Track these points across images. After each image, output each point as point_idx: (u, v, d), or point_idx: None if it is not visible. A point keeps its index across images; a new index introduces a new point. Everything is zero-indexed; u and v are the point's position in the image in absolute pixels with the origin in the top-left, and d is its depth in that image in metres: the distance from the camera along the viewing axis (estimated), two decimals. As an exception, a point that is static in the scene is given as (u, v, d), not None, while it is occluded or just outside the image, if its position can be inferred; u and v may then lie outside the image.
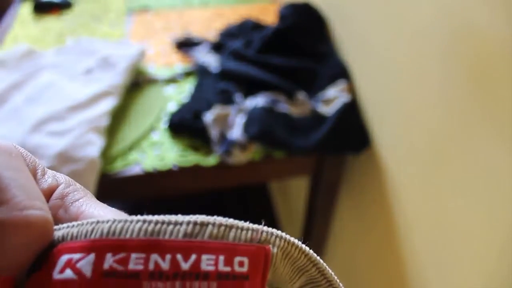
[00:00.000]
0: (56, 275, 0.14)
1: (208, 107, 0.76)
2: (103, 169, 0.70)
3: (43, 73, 0.84)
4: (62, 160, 0.66)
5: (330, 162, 0.80)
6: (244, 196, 1.56)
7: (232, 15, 1.11)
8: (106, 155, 0.71)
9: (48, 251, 0.14)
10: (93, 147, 0.68)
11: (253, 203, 1.56)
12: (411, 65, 0.60)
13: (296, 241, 0.16)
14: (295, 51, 0.87)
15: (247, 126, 0.72)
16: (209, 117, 0.74)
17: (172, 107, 0.82)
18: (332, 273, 0.16)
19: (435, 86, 0.55)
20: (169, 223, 0.14)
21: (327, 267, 0.16)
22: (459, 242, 0.54)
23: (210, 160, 0.73)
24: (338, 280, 0.17)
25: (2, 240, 0.13)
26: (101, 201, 0.17)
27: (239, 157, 0.72)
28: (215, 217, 0.15)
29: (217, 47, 0.94)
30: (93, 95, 0.77)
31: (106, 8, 1.15)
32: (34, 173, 0.17)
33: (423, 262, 0.62)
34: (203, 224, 0.14)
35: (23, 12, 1.12)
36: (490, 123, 0.47)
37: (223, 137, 0.73)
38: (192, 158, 0.73)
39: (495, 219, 0.47)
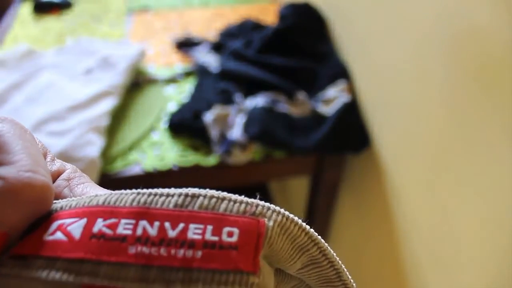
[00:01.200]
0: (47, 237, 0.14)
1: (208, 107, 0.76)
2: (103, 169, 0.70)
3: (43, 73, 0.84)
4: (62, 160, 0.66)
5: (330, 162, 0.80)
6: (244, 196, 1.55)
7: (232, 15, 1.11)
8: (106, 155, 0.71)
9: (45, 218, 0.15)
10: (93, 147, 0.68)
11: (253, 203, 1.56)
12: (411, 65, 0.60)
13: (295, 218, 0.15)
14: (295, 51, 0.87)
15: (247, 126, 0.72)
16: (209, 117, 0.74)
17: (172, 107, 0.82)
18: (334, 254, 0.16)
19: (435, 86, 0.55)
20: (161, 194, 0.15)
21: (328, 247, 0.16)
22: (459, 242, 0.54)
23: (210, 160, 0.73)
24: (340, 262, 0.16)
25: (3, 196, 0.14)
26: None
27: (239, 157, 0.72)
28: (207, 189, 0.15)
29: (217, 47, 0.94)
30: (93, 95, 0.77)
31: (106, 8, 1.15)
32: (44, 157, 0.18)
33: (423, 261, 0.62)
34: (194, 196, 0.15)
35: (23, 12, 1.12)
36: (491, 123, 0.47)
37: (223, 137, 0.73)
38: (192, 158, 0.73)
39: (495, 219, 0.47)
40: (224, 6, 1.16)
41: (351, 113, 0.76)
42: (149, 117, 0.79)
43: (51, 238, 0.14)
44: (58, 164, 0.18)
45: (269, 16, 1.10)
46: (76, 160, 0.66)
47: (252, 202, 0.15)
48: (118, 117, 0.78)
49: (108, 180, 0.70)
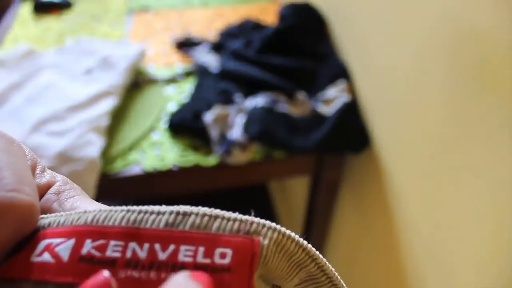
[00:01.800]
0: (34, 258, 0.14)
1: (208, 107, 0.76)
2: (103, 169, 0.70)
3: (43, 73, 0.84)
4: (62, 160, 0.66)
5: (330, 162, 0.80)
6: (244, 196, 1.56)
7: (232, 15, 1.11)
8: (106, 155, 0.71)
9: (31, 236, 0.14)
10: (93, 147, 0.68)
11: (253, 203, 1.57)
12: (411, 64, 0.60)
13: (292, 234, 0.15)
14: (295, 51, 0.87)
15: (247, 126, 0.72)
16: (209, 117, 0.74)
17: (172, 107, 0.82)
18: (333, 269, 0.16)
19: (435, 86, 0.55)
20: (152, 212, 0.14)
21: (326, 262, 0.15)
22: (459, 242, 0.54)
23: (210, 160, 0.73)
24: (339, 277, 0.16)
25: None
26: (100, 201, 0.17)
27: (239, 157, 0.72)
28: (200, 207, 0.14)
29: (217, 47, 0.94)
30: (93, 95, 0.77)
31: (106, 8, 1.15)
32: (33, 169, 0.17)
33: (423, 261, 0.62)
34: (186, 214, 0.14)
35: (23, 12, 1.12)
36: (491, 123, 0.47)
37: (223, 137, 0.73)
38: (192, 158, 0.73)
39: (495, 219, 0.47)
40: (224, 6, 1.16)
41: (351, 113, 0.76)
42: (149, 117, 0.79)
43: (38, 259, 0.13)
44: (47, 176, 0.18)
45: (269, 16, 1.10)
46: (76, 160, 0.66)
47: (247, 220, 0.14)
48: (118, 117, 0.78)
49: (108, 180, 0.70)
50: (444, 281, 0.58)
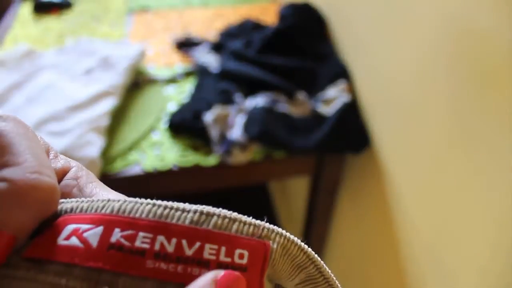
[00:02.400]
0: (61, 241, 0.14)
1: (208, 107, 0.76)
2: (103, 169, 0.70)
3: (43, 73, 0.84)
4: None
5: (330, 162, 0.80)
6: (244, 196, 1.56)
7: (232, 15, 1.11)
8: (106, 155, 0.71)
9: (52, 220, 0.15)
10: (93, 147, 0.68)
11: (253, 203, 1.56)
12: (411, 65, 0.60)
13: (295, 239, 0.16)
14: (295, 51, 0.87)
15: (247, 126, 0.72)
16: (209, 117, 0.74)
17: (172, 107, 0.82)
18: (329, 271, 0.17)
19: (435, 86, 0.55)
20: (177, 209, 0.15)
21: (324, 265, 0.17)
22: (459, 242, 0.54)
23: (210, 160, 0.73)
24: (335, 278, 0.17)
25: (10, 199, 0.13)
26: None
27: (239, 157, 0.72)
28: (220, 209, 0.16)
29: (217, 47, 0.94)
30: (93, 95, 0.77)
31: (106, 8, 1.15)
32: (47, 154, 0.18)
33: (423, 261, 0.62)
34: (209, 214, 0.15)
35: (23, 12, 1.12)
36: (491, 124, 0.47)
37: (223, 137, 0.73)
38: (192, 158, 0.73)
39: (495, 219, 0.47)
40: (224, 6, 1.16)
41: (351, 113, 0.76)
42: (149, 117, 0.79)
43: (66, 243, 0.14)
44: (62, 161, 0.18)
45: (269, 16, 1.10)
46: (76, 160, 0.66)
47: (259, 225, 0.16)
48: (118, 117, 0.78)
49: (108, 180, 0.70)
50: (444, 281, 0.58)
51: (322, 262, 0.17)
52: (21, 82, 0.82)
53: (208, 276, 0.13)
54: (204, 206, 0.15)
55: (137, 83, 0.86)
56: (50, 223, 0.15)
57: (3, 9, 1.23)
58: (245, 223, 0.16)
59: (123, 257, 0.14)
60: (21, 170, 0.14)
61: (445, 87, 0.53)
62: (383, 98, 0.70)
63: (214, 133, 0.73)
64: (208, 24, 1.08)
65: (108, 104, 0.75)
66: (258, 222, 0.16)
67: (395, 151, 0.68)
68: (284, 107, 0.76)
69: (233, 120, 0.74)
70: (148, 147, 0.74)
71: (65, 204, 0.15)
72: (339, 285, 0.17)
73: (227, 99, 0.77)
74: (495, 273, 0.48)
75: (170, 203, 0.15)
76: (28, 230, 0.14)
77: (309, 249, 0.17)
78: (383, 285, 0.77)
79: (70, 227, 0.14)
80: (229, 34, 0.97)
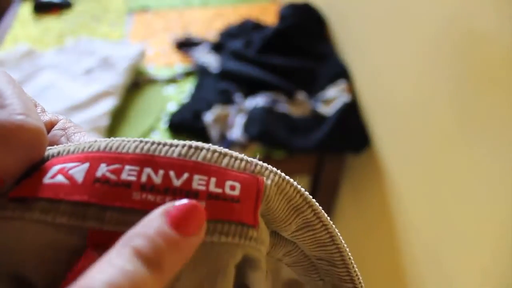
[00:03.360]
0: (47, 180, 0.14)
1: (208, 107, 0.76)
2: (103, 169, 0.70)
3: (43, 73, 0.84)
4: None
5: (330, 162, 0.80)
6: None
7: (232, 15, 1.11)
8: (106, 155, 0.71)
9: (41, 164, 0.14)
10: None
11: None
12: (411, 65, 0.60)
13: (291, 179, 0.16)
14: (295, 51, 0.87)
15: (247, 126, 0.72)
16: (209, 117, 0.74)
17: (172, 107, 0.82)
18: (328, 218, 0.16)
19: (435, 86, 0.55)
20: (164, 144, 0.14)
21: (322, 210, 0.16)
22: (459, 242, 0.54)
23: (210, 160, 0.72)
24: (333, 226, 0.16)
25: None
26: None
27: (239, 157, 0.72)
28: (210, 144, 0.15)
29: (217, 47, 0.94)
30: (93, 95, 0.77)
31: (106, 8, 1.15)
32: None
33: (422, 260, 0.62)
34: (198, 148, 0.15)
35: (23, 12, 1.12)
36: (491, 123, 0.47)
37: (223, 137, 0.73)
38: (192, 158, 0.73)
39: (495, 219, 0.47)
40: (224, 6, 1.16)
41: (351, 113, 0.76)
42: (149, 117, 0.79)
43: (51, 181, 0.14)
44: (50, 115, 0.18)
45: (269, 16, 1.10)
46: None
47: (252, 161, 0.15)
48: (118, 117, 0.78)
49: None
50: (445, 281, 0.58)
51: (320, 207, 0.16)
52: (21, 82, 0.82)
53: (159, 209, 0.13)
54: (193, 141, 0.15)
55: (137, 83, 0.86)
56: (38, 167, 0.14)
57: (3, 9, 1.23)
58: (236, 158, 0.15)
59: (109, 190, 0.13)
60: (7, 112, 0.14)
61: (445, 87, 0.53)
62: (383, 98, 0.70)
63: (214, 133, 0.73)
64: (208, 24, 1.08)
65: (108, 104, 0.75)
66: (250, 158, 0.15)
67: (395, 151, 0.68)
68: (284, 107, 0.76)
69: (233, 120, 0.74)
70: (148, 147, 0.74)
71: (52, 149, 0.15)
72: (338, 232, 0.16)
73: (227, 99, 0.77)
74: (496, 273, 0.48)
75: (157, 140, 0.15)
76: (15, 173, 0.14)
77: (306, 192, 0.16)
78: (383, 285, 0.77)
79: (56, 167, 0.14)
80: (229, 34, 0.97)
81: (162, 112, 0.81)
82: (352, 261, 0.17)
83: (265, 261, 0.15)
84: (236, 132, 0.72)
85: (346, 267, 0.17)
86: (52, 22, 1.08)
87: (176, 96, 0.85)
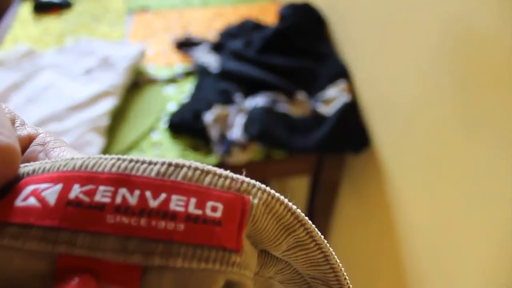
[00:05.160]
0: (19, 203, 0.13)
1: (208, 107, 0.76)
2: (103, 169, 0.69)
3: (43, 73, 0.84)
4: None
5: (330, 162, 0.80)
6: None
7: (232, 15, 1.11)
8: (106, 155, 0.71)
9: (13, 184, 0.14)
10: (93, 147, 0.68)
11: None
12: (411, 64, 0.60)
13: (281, 196, 0.15)
14: (295, 51, 0.87)
15: (247, 126, 0.72)
16: (209, 117, 0.74)
17: (172, 107, 0.82)
18: (322, 236, 0.15)
19: (435, 86, 0.55)
20: (143, 162, 0.14)
21: (315, 229, 0.15)
22: (459, 241, 0.54)
23: (210, 160, 0.73)
24: (327, 244, 0.16)
25: None
26: None
27: (239, 157, 0.72)
28: (192, 161, 0.14)
29: (217, 47, 0.94)
30: (93, 95, 0.77)
31: (106, 8, 1.15)
32: (12, 122, 0.17)
33: (423, 261, 0.62)
34: (178, 166, 0.14)
35: (23, 12, 1.12)
36: (490, 123, 0.47)
37: (223, 137, 0.73)
38: (192, 158, 0.73)
39: (495, 219, 0.47)
40: (224, 6, 1.16)
41: (351, 113, 0.76)
42: (149, 117, 0.79)
43: (23, 204, 0.13)
44: (29, 129, 0.17)
45: (269, 16, 1.10)
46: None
47: (237, 178, 0.14)
48: (118, 117, 0.78)
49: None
50: (445, 281, 0.58)
51: (313, 225, 0.15)
52: (21, 82, 0.82)
53: None
54: (173, 158, 0.14)
55: (137, 83, 0.86)
56: (11, 187, 0.14)
57: (3, 9, 1.23)
58: (220, 175, 0.14)
59: (81, 213, 0.13)
60: None
61: (445, 88, 0.53)
62: (383, 98, 0.70)
63: (214, 133, 0.73)
64: (208, 24, 1.08)
65: (108, 104, 0.75)
66: (235, 175, 0.14)
67: (395, 151, 0.68)
68: (284, 107, 0.76)
69: (233, 120, 0.74)
70: (148, 147, 0.74)
71: (28, 167, 0.14)
72: (332, 251, 0.16)
73: (227, 99, 0.77)
74: (497, 273, 0.48)
75: (136, 157, 0.14)
76: None
77: (298, 210, 0.15)
78: (383, 283, 0.77)
79: (29, 188, 0.13)
80: (229, 34, 0.97)
81: (162, 112, 0.81)
82: (348, 281, 0.16)
83: (253, 282, 0.14)
84: (236, 132, 0.72)
85: (341, 287, 0.16)
86: (52, 22, 1.08)
87: (176, 96, 0.85)
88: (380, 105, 0.71)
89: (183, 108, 0.78)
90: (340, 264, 0.16)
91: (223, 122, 0.74)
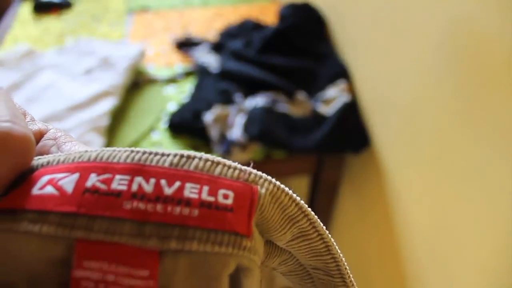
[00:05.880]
0: (36, 191, 0.13)
1: (208, 107, 0.76)
2: (103, 169, 0.69)
3: (43, 73, 0.84)
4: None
5: (330, 162, 0.80)
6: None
7: (232, 15, 1.11)
8: (106, 155, 0.71)
9: (29, 174, 0.14)
10: (93, 147, 0.68)
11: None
12: (411, 65, 0.60)
13: (286, 188, 0.15)
14: (295, 51, 0.87)
15: (247, 126, 0.72)
16: (209, 117, 0.74)
17: (172, 107, 0.82)
18: (324, 227, 0.16)
19: (435, 86, 0.55)
20: (156, 153, 0.14)
21: (318, 220, 0.16)
22: (459, 241, 0.54)
23: (210, 160, 0.72)
24: (329, 235, 0.16)
25: None
26: None
27: (239, 157, 0.72)
28: (202, 153, 0.15)
29: (217, 47, 0.94)
30: (93, 95, 0.77)
31: (106, 8, 1.15)
32: (23, 116, 0.17)
33: (423, 260, 0.62)
34: (189, 157, 0.14)
35: (23, 12, 1.12)
36: (490, 123, 0.47)
37: (223, 137, 0.73)
38: (192, 158, 0.73)
39: (495, 219, 0.47)
40: (224, 6, 1.16)
41: (351, 113, 0.76)
42: (149, 117, 0.79)
43: (40, 192, 0.13)
44: (39, 124, 0.17)
45: (269, 16, 1.10)
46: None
47: (246, 169, 0.15)
48: (118, 117, 0.78)
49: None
50: (446, 281, 0.58)
51: (316, 216, 0.16)
52: (21, 82, 0.82)
53: None
54: (185, 151, 0.15)
55: (137, 83, 0.86)
56: (26, 177, 0.14)
57: (3, 9, 1.23)
58: (229, 166, 0.15)
59: (99, 200, 0.13)
60: None
61: (445, 87, 0.53)
62: (383, 98, 0.70)
63: (214, 133, 0.73)
64: (208, 24, 1.08)
65: (108, 104, 0.75)
66: (244, 167, 0.15)
67: (395, 151, 0.68)
68: (284, 107, 0.76)
69: (233, 120, 0.74)
70: (148, 147, 0.74)
71: (42, 159, 0.15)
72: (334, 242, 0.16)
73: (227, 99, 0.77)
74: (497, 273, 0.48)
75: (149, 149, 0.14)
76: (3, 181, 0.14)
77: (302, 201, 0.16)
78: (383, 283, 0.77)
79: (46, 177, 0.14)
80: (229, 34, 0.97)
81: (162, 112, 0.81)
82: (348, 271, 0.17)
83: (259, 271, 0.15)
84: (236, 132, 0.72)
85: (342, 277, 0.17)
86: (52, 22, 1.08)
87: (176, 96, 0.85)
88: (380, 105, 0.71)
89: (183, 108, 0.78)
90: (341, 255, 0.16)
91: (223, 122, 0.74)
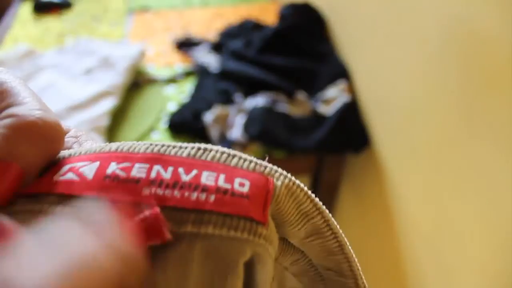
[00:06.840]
0: (59, 178, 0.14)
1: (208, 107, 0.76)
2: (103, 169, 0.70)
3: (43, 73, 0.84)
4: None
5: (330, 161, 0.80)
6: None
7: (232, 15, 1.11)
8: (106, 155, 0.71)
9: (54, 163, 0.15)
10: (93, 147, 0.68)
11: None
12: (411, 65, 0.60)
13: (301, 184, 0.16)
14: (295, 51, 0.87)
15: (247, 126, 0.72)
16: (209, 117, 0.74)
17: (172, 107, 0.82)
18: (338, 226, 0.16)
19: (435, 86, 0.55)
20: (174, 146, 0.15)
21: (332, 218, 0.16)
22: (459, 241, 0.54)
23: (210, 160, 0.73)
24: (343, 234, 0.16)
25: (18, 133, 0.14)
26: None
27: (239, 157, 0.72)
28: (219, 146, 0.15)
29: (217, 47, 0.94)
30: (93, 95, 0.77)
31: (106, 8, 1.15)
32: None
33: (423, 260, 0.62)
34: (206, 149, 0.15)
35: (23, 12, 1.12)
36: (490, 123, 0.47)
37: (223, 137, 0.73)
38: (192, 158, 0.73)
39: (495, 219, 0.47)
40: (224, 6, 1.16)
41: (351, 113, 0.76)
42: (149, 117, 0.79)
43: (62, 178, 0.14)
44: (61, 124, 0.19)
45: (269, 16, 1.10)
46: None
47: (261, 163, 0.15)
48: (118, 117, 0.78)
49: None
50: (445, 280, 0.58)
51: (330, 215, 0.16)
52: (21, 82, 0.82)
53: None
54: (202, 144, 0.15)
55: (137, 83, 0.86)
56: (50, 166, 0.15)
57: (3, 9, 1.23)
58: (245, 159, 0.15)
59: (118, 185, 0.14)
60: (27, 107, 0.14)
61: (445, 87, 0.53)
62: (383, 97, 0.70)
63: (214, 133, 0.73)
64: (208, 24, 1.08)
65: (108, 104, 0.75)
66: (259, 160, 0.15)
67: (395, 150, 0.68)
68: (284, 107, 0.76)
69: (233, 120, 0.74)
70: (148, 147, 0.74)
71: (64, 152, 0.16)
72: (347, 241, 0.16)
73: (227, 99, 0.77)
74: (496, 272, 0.48)
75: (167, 142, 0.15)
76: (36, 166, 0.14)
77: (317, 199, 0.16)
78: (383, 284, 0.77)
79: (67, 166, 0.14)
80: (229, 34, 0.97)
81: (162, 112, 0.81)
82: (361, 272, 0.17)
83: (273, 265, 0.15)
84: (236, 132, 0.72)
85: (355, 278, 0.16)
86: (52, 22, 1.08)
87: (176, 96, 0.85)
88: (380, 105, 0.71)
89: (183, 108, 0.78)
90: (354, 255, 0.16)
91: (223, 122, 0.74)
